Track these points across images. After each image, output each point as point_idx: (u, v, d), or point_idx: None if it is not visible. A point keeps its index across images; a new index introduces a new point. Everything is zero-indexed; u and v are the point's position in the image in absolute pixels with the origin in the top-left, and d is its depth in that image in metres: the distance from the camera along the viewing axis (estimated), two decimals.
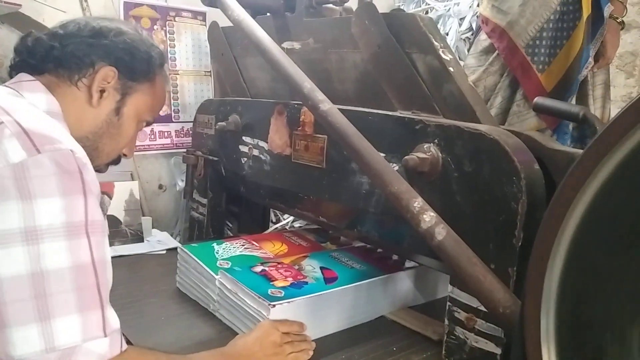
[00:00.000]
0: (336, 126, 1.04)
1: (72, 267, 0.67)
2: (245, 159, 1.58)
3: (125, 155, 0.98)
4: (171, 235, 1.80)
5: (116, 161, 0.97)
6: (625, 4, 1.66)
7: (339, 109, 1.08)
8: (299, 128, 1.36)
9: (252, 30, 1.28)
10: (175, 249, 1.57)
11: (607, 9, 1.59)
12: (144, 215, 1.77)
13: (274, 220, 2.00)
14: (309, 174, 1.33)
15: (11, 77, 0.87)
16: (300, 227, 1.85)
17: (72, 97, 0.85)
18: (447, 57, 1.10)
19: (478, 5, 1.80)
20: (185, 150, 1.81)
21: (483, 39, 1.70)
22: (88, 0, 1.77)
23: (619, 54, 2.63)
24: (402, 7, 3.36)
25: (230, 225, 1.77)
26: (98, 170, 0.90)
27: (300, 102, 1.31)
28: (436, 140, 1.02)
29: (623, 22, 1.66)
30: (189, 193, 1.76)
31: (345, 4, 1.52)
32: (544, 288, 0.59)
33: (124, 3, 1.88)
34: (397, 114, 1.14)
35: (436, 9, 3.03)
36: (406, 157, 1.01)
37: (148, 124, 0.98)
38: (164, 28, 2.02)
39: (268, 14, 1.59)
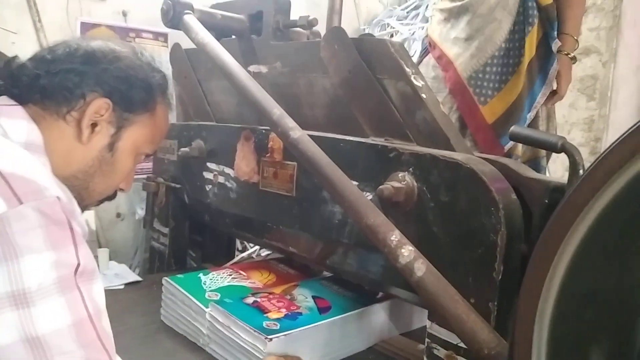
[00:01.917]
0: (307, 155, 0.99)
1: (70, 325, 0.60)
2: (210, 186, 1.51)
3: (122, 189, 0.87)
4: (129, 267, 1.70)
5: (111, 197, 0.87)
6: (577, 38, 1.68)
7: (310, 135, 1.03)
8: (267, 154, 1.31)
9: (217, 54, 1.23)
10: (135, 282, 1.49)
11: (555, 45, 1.61)
12: (100, 247, 1.67)
13: (240, 249, 1.93)
14: (278, 202, 1.28)
15: None
16: (268, 255, 1.79)
17: (59, 131, 0.74)
18: (418, 83, 1.07)
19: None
20: (145, 176, 1.73)
21: (433, 64, 1.70)
22: (42, 20, 1.68)
23: (579, 77, 2.71)
24: (367, 30, 3.38)
25: (194, 255, 1.69)
26: (86, 208, 0.81)
27: (269, 128, 1.26)
28: (411, 169, 0.99)
29: (575, 57, 1.68)
30: (149, 222, 1.67)
31: (313, 28, 1.49)
32: (534, 336, 0.55)
33: (81, 23, 1.80)
34: (370, 141, 1.10)
35: (401, 32, 3.06)
36: (381, 186, 0.97)
37: (148, 156, 0.89)
38: None
39: (233, 36, 1.55)
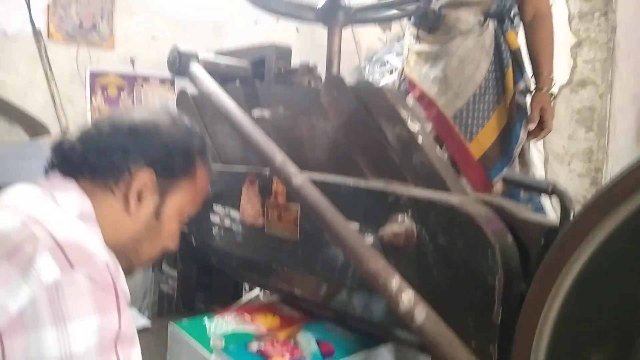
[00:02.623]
0: (309, 201, 1.02)
1: None
2: (217, 229, 1.54)
3: (168, 249, 0.92)
4: (139, 310, 1.72)
5: (158, 256, 0.92)
6: (551, 75, 1.75)
7: (311, 179, 1.07)
8: (272, 197, 1.34)
9: (222, 103, 1.28)
10: (146, 329, 1.50)
11: (519, 86, 1.67)
12: None
13: (247, 289, 1.94)
14: (282, 245, 1.30)
15: (46, 174, 0.82)
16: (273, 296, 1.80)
17: (108, 203, 0.80)
18: (414, 127, 1.11)
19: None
20: None
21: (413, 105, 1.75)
22: (53, 70, 1.75)
23: (577, 109, 2.76)
24: (367, 67, 3.47)
25: (202, 296, 1.71)
26: (135, 271, 0.86)
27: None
28: (409, 212, 1.02)
29: (552, 93, 1.75)
30: (158, 265, 1.70)
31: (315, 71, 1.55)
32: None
33: (91, 72, 1.87)
34: (370, 185, 1.13)
35: (399, 68, 3.14)
36: (381, 231, 0.99)
37: (190, 215, 0.94)
38: (131, 95, 2.01)
39: (237, 81, 1.61)
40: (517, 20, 1.77)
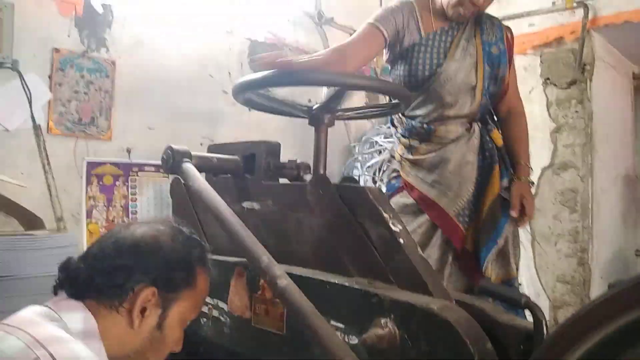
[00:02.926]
0: (293, 303, 1.04)
1: None
2: (205, 319, 1.54)
3: (174, 352, 0.96)
4: None
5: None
6: (529, 165, 1.86)
7: (297, 275, 1.09)
8: (259, 292, 1.36)
9: (212, 201, 1.32)
10: None
11: (506, 182, 1.76)
12: None
13: None
14: (269, 339, 1.30)
15: (55, 294, 0.87)
16: None
17: (113, 321, 0.85)
18: (396, 228, 1.15)
19: (390, 161, 1.96)
20: None
21: (404, 204, 1.81)
22: (50, 162, 1.82)
23: (560, 190, 2.85)
24: (357, 147, 3.58)
25: None
26: None
27: None
28: (392, 316, 1.04)
29: (531, 181, 1.85)
30: None
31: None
32: None
33: (88, 163, 1.94)
34: (354, 284, 1.16)
35: (386, 148, 3.25)
36: (364, 335, 1.01)
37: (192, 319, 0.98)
38: (126, 183, 2.07)
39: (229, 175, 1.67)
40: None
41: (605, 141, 2.91)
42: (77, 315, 0.81)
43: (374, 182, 3.35)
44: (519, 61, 3.10)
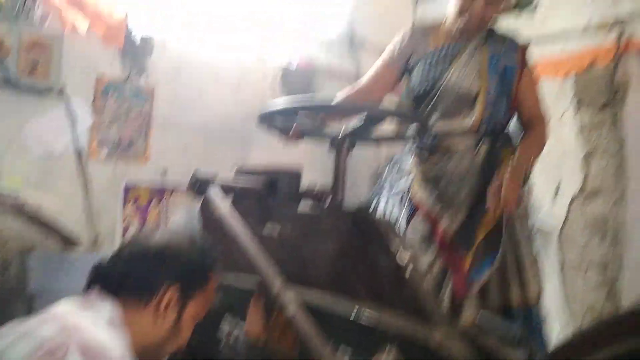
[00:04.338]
0: (301, 330, 1.10)
1: None
2: (224, 339, 1.61)
3: (181, 347, 1.07)
4: None
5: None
6: (528, 168, 1.81)
7: (309, 300, 1.14)
8: (275, 315, 1.42)
9: (232, 227, 1.40)
10: None
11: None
12: None
13: None
14: None
15: (88, 288, 0.99)
16: None
17: (139, 316, 0.96)
18: (403, 262, 1.20)
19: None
20: None
21: (421, 228, 1.84)
22: (89, 184, 1.95)
23: (591, 218, 2.78)
24: (386, 167, 3.61)
25: None
26: None
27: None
28: (396, 344, 1.07)
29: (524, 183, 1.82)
30: None
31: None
32: None
33: (125, 184, 2.07)
34: (362, 311, 1.20)
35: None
36: None
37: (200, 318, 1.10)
38: (160, 204, 2.18)
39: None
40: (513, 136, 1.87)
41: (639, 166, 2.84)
42: (106, 308, 0.93)
43: (402, 205, 3.36)
44: (550, 83, 3.08)
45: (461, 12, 1.75)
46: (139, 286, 0.97)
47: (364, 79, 1.90)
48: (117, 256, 1.02)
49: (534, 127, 1.85)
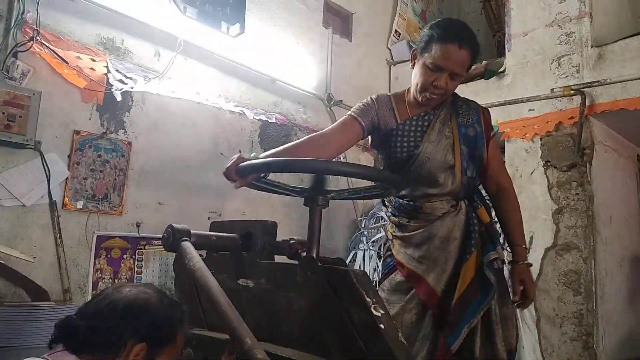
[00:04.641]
0: None
1: None
2: None
3: None
4: None
5: None
6: (525, 247, 1.87)
7: (280, 356, 1.12)
8: None
9: (205, 281, 1.37)
10: None
11: (487, 258, 1.76)
12: None
13: None
14: None
15: (50, 348, 0.98)
16: None
17: None
18: (378, 313, 1.19)
19: (385, 243, 2.00)
20: None
21: (399, 281, 1.83)
22: (62, 236, 1.92)
23: (563, 272, 2.83)
24: (363, 221, 3.63)
25: None
26: None
27: None
28: None
29: (530, 263, 1.84)
30: None
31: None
32: None
33: (97, 237, 2.04)
34: None
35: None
36: None
37: None
38: (134, 256, 2.15)
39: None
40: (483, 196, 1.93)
41: (609, 223, 2.92)
42: None
43: (379, 256, 3.38)
44: (519, 143, 3.20)
45: (424, 87, 1.77)
46: (105, 343, 0.96)
47: (325, 131, 1.86)
48: (84, 312, 1.01)
49: (504, 191, 1.90)
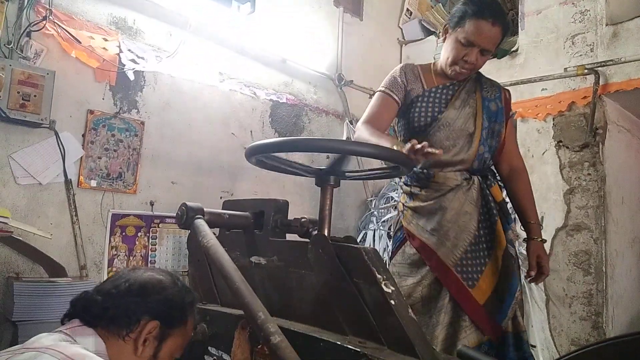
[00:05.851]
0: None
1: None
2: None
3: None
4: None
5: None
6: (539, 224, 1.89)
7: (294, 331, 1.15)
8: (259, 346, 1.42)
9: (218, 257, 1.40)
10: None
11: (509, 235, 1.80)
12: None
13: None
14: None
15: (62, 324, 1.02)
16: None
17: (119, 347, 1.00)
18: (389, 289, 1.21)
19: (395, 223, 2.02)
20: None
21: (412, 253, 1.85)
22: (78, 213, 1.96)
23: (574, 252, 2.83)
24: (374, 202, 3.65)
25: None
26: None
27: None
28: None
29: (544, 239, 1.87)
30: None
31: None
32: None
33: (112, 215, 2.07)
34: (346, 344, 1.21)
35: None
36: None
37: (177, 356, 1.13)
38: (148, 234, 2.19)
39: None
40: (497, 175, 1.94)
41: (621, 203, 2.90)
42: (90, 339, 0.96)
43: (389, 236, 3.39)
44: (531, 124, 3.17)
45: (454, 61, 1.81)
46: (120, 318, 1.00)
47: (371, 114, 1.89)
48: (103, 288, 1.06)
49: (518, 172, 1.92)
